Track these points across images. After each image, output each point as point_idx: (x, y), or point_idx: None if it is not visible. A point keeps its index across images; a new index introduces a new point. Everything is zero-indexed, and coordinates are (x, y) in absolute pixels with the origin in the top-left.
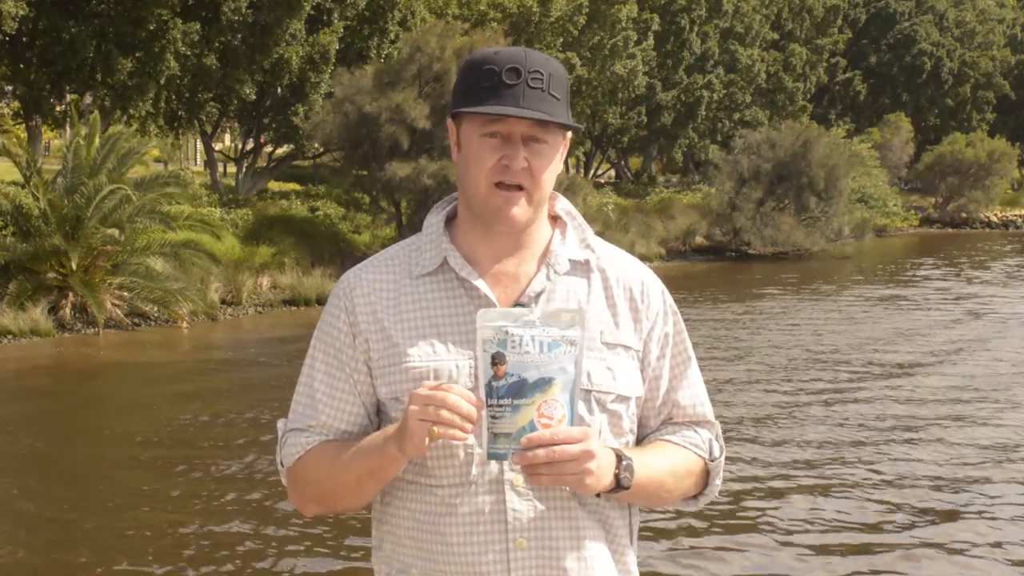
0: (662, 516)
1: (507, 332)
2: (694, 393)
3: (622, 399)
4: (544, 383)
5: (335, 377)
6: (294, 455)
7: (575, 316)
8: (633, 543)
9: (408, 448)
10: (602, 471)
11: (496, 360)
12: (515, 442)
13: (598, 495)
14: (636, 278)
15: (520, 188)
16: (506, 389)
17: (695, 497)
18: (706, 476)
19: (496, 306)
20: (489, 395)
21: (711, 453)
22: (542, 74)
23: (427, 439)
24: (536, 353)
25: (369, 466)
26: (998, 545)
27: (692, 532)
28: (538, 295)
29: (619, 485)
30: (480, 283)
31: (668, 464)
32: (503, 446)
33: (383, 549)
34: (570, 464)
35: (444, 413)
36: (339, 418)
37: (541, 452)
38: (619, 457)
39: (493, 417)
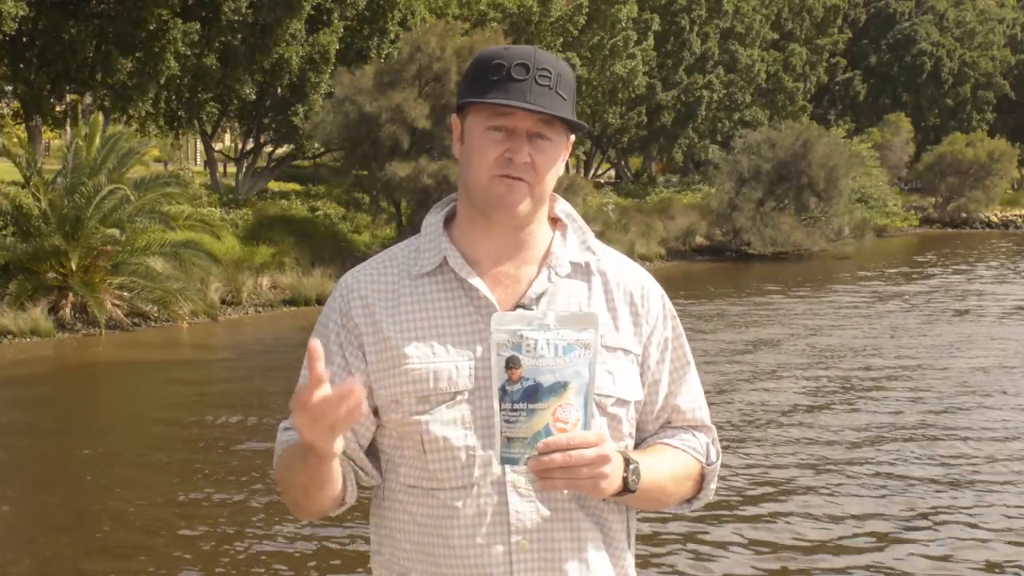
0: (659, 518)
1: (522, 336)
2: (693, 398)
3: (622, 403)
4: (559, 387)
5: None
6: (276, 456)
7: (589, 319)
8: (631, 545)
9: (325, 457)
10: (614, 474)
11: (511, 364)
12: (530, 447)
13: (605, 497)
14: (636, 282)
15: (522, 181)
16: (521, 393)
17: (689, 501)
18: (702, 480)
19: (496, 307)
20: (503, 399)
21: (708, 457)
22: (550, 72)
23: (332, 442)
24: (551, 357)
25: (307, 474)
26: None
27: (690, 533)
28: (539, 297)
29: (626, 488)
30: (480, 284)
31: (669, 468)
32: (518, 451)
33: (382, 553)
34: (586, 468)
35: (321, 421)
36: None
37: (558, 457)
38: (627, 460)
39: (507, 421)
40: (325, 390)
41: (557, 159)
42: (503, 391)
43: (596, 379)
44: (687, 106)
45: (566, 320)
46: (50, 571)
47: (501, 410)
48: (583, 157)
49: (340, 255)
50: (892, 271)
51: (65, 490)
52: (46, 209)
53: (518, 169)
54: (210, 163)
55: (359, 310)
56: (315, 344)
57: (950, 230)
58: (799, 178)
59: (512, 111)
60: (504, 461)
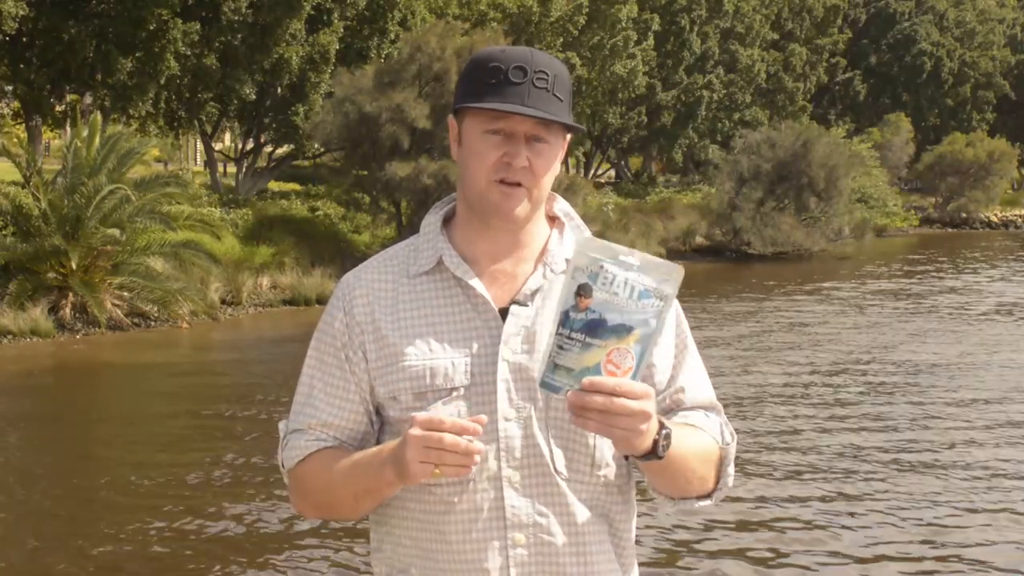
0: (660, 514)
1: (602, 266)
2: (697, 378)
3: None
4: (623, 329)
5: (333, 376)
6: (294, 458)
7: (673, 270)
8: (631, 540)
9: (409, 482)
10: (648, 434)
11: (582, 292)
12: (575, 380)
13: (627, 458)
14: None
15: (520, 186)
16: (583, 324)
17: (709, 495)
18: (719, 464)
19: (492, 305)
20: (563, 324)
21: (723, 438)
22: (547, 74)
23: (427, 474)
24: (625, 297)
25: (366, 486)
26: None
27: (691, 532)
28: (534, 293)
29: (655, 453)
30: (476, 282)
31: (695, 444)
32: (561, 379)
33: (383, 550)
34: (624, 419)
35: (446, 456)
36: (339, 416)
37: (599, 399)
38: (661, 424)
39: (560, 347)
40: (462, 435)
41: (554, 161)
42: (566, 315)
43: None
44: (687, 106)
45: (650, 266)
46: (50, 570)
47: (557, 333)
48: (583, 157)
49: (340, 255)
50: (892, 271)
51: (65, 489)
52: (46, 209)
53: (516, 173)
54: (210, 163)
55: (361, 308)
56: (481, 421)
57: (950, 230)
58: (799, 178)
59: (510, 114)
60: (543, 386)
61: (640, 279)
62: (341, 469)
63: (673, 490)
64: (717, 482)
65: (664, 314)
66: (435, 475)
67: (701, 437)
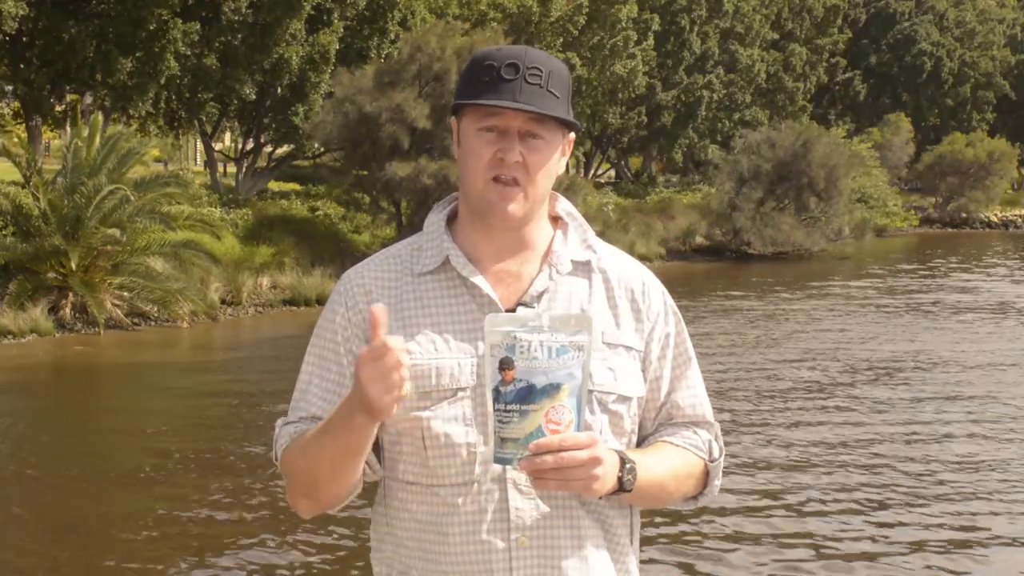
0: (664, 517)
1: (515, 337)
2: (694, 393)
3: (623, 399)
4: (552, 388)
5: (331, 371)
6: (282, 446)
7: (582, 321)
8: (634, 543)
9: (377, 415)
10: (607, 475)
11: (504, 365)
12: (523, 447)
13: (600, 497)
14: (637, 278)
15: (516, 183)
16: (514, 394)
17: (695, 497)
18: (706, 477)
19: (498, 305)
20: (497, 400)
21: (711, 454)
22: (541, 71)
23: (393, 399)
24: (544, 359)
25: (337, 442)
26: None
27: (693, 532)
28: (541, 295)
29: (621, 488)
30: (482, 282)
31: (669, 467)
32: (510, 451)
33: (383, 550)
34: (577, 470)
35: (388, 377)
36: (331, 410)
37: (549, 458)
38: (623, 460)
39: (501, 422)
40: (397, 346)
41: (550, 158)
42: (496, 392)
43: (597, 376)
44: (687, 106)
45: (559, 322)
46: (44, 569)
47: (495, 411)
48: (583, 157)
49: (340, 255)
50: (892, 271)
51: (65, 489)
52: (46, 209)
53: (510, 169)
54: (210, 163)
55: (364, 304)
56: (377, 308)
57: (950, 230)
58: (799, 178)
59: (502, 111)
60: (497, 461)
61: (553, 337)
62: (312, 438)
63: (650, 507)
64: (703, 489)
65: (586, 362)
66: (403, 396)
67: (679, 457)
